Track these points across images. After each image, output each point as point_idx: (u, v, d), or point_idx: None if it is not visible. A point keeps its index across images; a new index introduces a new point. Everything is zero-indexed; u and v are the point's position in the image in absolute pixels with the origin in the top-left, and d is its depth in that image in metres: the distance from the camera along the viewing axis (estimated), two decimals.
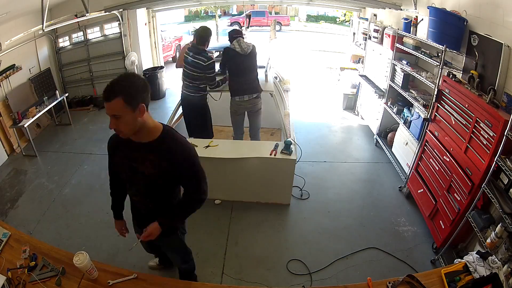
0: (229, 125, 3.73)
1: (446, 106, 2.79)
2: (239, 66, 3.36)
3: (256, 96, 3.45)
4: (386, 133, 4.44)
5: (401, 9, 4.15)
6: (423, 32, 3.42)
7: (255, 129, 3.70)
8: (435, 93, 2.99)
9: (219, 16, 16.73)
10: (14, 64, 4.55)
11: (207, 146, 3.14)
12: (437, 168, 2.84)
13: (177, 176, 1.51)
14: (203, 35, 3.25)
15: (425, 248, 2.83)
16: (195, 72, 3.28)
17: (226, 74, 3.49)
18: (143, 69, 6.33)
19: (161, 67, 6.60)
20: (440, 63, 2.91)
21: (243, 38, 3.40)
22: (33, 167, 4.13)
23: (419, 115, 3.35)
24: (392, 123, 4.33)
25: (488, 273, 1.59)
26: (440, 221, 2.70)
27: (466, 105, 2.48)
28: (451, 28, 2.80)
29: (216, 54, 4.68)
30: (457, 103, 2.61)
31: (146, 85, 1.35)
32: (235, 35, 3.38)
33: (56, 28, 5.13)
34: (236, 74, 3.41)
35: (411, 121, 3.60)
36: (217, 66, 3.48)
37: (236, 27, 14.48)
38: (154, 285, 1.57)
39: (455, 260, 1.74)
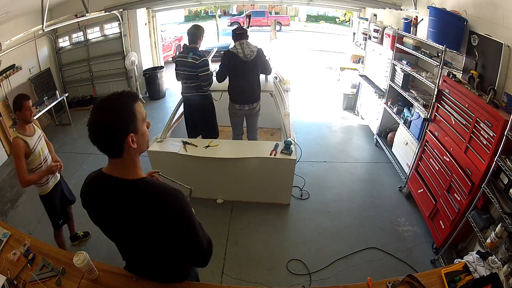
0: (229, 125, 3.73)
1: (446, 106, 2.79)
2: (239, 73, 3.17)
3: (256, 104, 3.39)
4: (386, 133, 4.44)
5: (401, 9, 4.15)
6: (423, 32, 3.43)
7: (253, 131, 3.67)
8: (435, 93, 2.99)
9: (219, 16, 16.74)
10: (14, 64, 4.56)
11: (207, 146, 3.14)
12: (437, 168, 2.84)
13: None
14: (194, 32, 3.17)
15: (425, 248, 2.83)
16: (188, 72, 3.19)
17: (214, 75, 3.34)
18: (143, 69, 6.33)
19: (161, 67, 6.61)
20: (440, 63, 2.91)
21: (247, 39, 3.21)
22: None
23: (419, 115, 3.35)
24: (392, 123, 4.33)
25: (488, 273, 1.59)
26: (440, 221, 2.70)
27: (466, 105, 2.48)
28: (451, 28, 2.80)
29: (214, 51, 4.64)
30: (457, 103, 2.61)
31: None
32: (238, 32, 3.18)
33: (56, 28, 5.13)
34: (236, 81, 3.24)
35: (411, 121, 3.60)
36: (216, 66, 3.40)
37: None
38: (154, 285, 1.56)
39: (455, 260, 1.73)
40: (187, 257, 1.22)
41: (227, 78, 3.31)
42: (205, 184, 3.30)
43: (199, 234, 1.15)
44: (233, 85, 3.30)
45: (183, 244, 1.15)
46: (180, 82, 3.39)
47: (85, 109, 5.87)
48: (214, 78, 3.36)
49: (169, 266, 1.37)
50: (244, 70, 3.16)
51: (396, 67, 3.89)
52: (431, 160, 2.96)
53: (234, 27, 3.39)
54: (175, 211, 1.06)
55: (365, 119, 5.32)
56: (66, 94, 5.30)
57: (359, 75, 5.26)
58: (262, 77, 3.79)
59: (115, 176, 1.07)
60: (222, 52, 3.27)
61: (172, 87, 6.83)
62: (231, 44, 3.55)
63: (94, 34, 6.09)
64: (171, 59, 9.75)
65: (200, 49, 3.27)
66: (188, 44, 3.25)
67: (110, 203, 1.09)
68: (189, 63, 3.14)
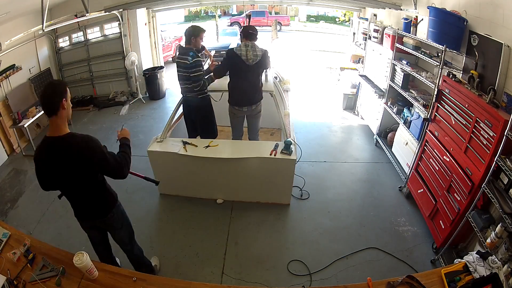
0: (229, 125, 3.72)
1: (446, 106, 2.78)
2: (240, 75, 3.14)
3: (255, 106, 3.36)
4: (386, 133, 4.44)
5: (401, 9, 4.15)
6: (423, 32, 3.42)
7: (254, 132, 3.63)
8: (435, 93, 2.99)
9: (219, 16, 16.74)
10: (14, 64, 4.55)
11: (207, 146, 3.14)
12: (437, 168, 2.84)
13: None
14: (188, 32, 3.15)
15: (425, 248, 2.83)
16: (181, 73, 3.19)
17: (208, 76, 3.31)
18: (143, 69, 6.33)
19: (161, 67, 6.60)
20: (440, 63, 2.91)
21: (255, 41, 3.09)
22: (33, 167, 4.10)
23: (419, 115, 3.35)
24: (392, 123, 4.33)
25: (488, 273, 1.59)
26: (440, 221, 2.70)
27: (466, 105, 2.48)
28: (451, 28, 2.80)
29: (213, 52, 4.63)
30: (457, 103, 2.61)
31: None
32: (249, 32, 3.04)
33: (56, 28, 5.13)
34: (236, 82, 3.21)
35: (411, 121, 3.60)
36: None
37: (236, 27, 14.58)
38: (154, 285, 1.57)
39: (455, 260, 1.74)
40: (111, 176, 1.80)
41: (228, 77, 3.29)
42: (205, 184, 3.30)
43: (111, 162, 1.74)
44: (233, 86, 3.28)
45: (106, 170, 1.77)
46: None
47: (85, 109, 5.86)
48: (205, 83, 3.28)
49: (101, 200, 1.91)
50: (245, 72, 3.11)
51: (396, 67, 3.88)
52: (431, 160, 2.96)
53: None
54: (97, 152, 1.68)
55: (365, 119, 5.32)
56: None
57: (359, 75, 5.26)
58: (262, 77, 3.79)
59: (53, 136, 1.63)
60: (224, 52, 3.24)
61: (172, 87, 6.83)
62: (231, 44, 3.53)
63: (94, 34, 6.08)
64: (171, 59, 9.75)
65: (201, 46, 3.28)
66: (183, 45, 3.25)
67: (53, 155, 1.65)
68: (182, 63, 3.14)
